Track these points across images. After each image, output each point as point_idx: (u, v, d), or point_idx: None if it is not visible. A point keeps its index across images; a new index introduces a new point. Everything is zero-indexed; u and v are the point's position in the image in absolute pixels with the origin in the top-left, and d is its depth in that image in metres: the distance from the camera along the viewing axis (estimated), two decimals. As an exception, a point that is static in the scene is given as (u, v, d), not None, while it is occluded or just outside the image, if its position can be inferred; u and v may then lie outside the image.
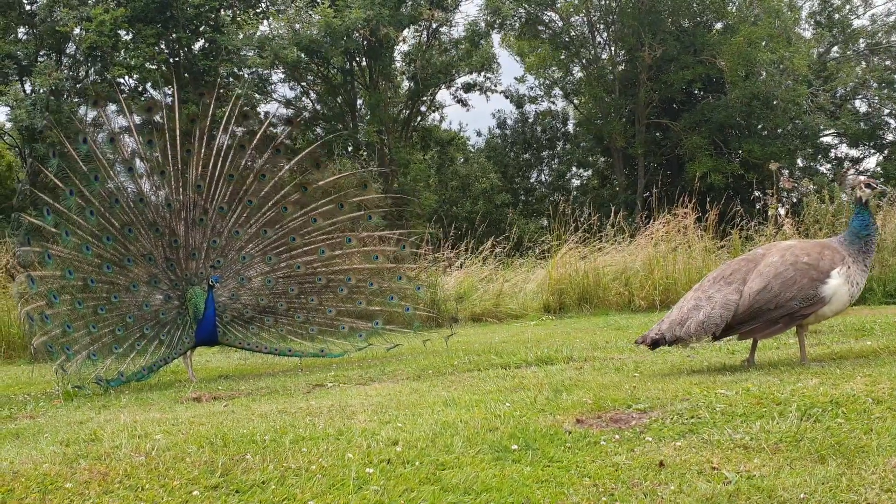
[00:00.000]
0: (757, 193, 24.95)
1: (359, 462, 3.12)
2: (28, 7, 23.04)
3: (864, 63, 29.76)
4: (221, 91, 7.14)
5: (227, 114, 7.06)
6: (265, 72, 25.34)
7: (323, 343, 7.16)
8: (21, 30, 23.42)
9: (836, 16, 30.05)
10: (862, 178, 5.02)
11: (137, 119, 6.81)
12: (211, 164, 6.85)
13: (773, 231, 11.82)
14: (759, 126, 28.25)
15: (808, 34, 30.33)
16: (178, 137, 6.77)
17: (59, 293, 6.40)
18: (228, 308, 6.98)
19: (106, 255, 6.59)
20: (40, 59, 22.25)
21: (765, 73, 26.52)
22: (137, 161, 6.82)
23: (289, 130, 7.70)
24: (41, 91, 21.03)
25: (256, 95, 25.60)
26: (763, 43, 26.11)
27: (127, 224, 6.64)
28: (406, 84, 29.28)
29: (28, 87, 22.68)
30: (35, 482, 3.00)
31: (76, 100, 22.13)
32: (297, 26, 22.80)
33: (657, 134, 29.66)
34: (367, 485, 2.84)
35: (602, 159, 32.37)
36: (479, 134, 31.73)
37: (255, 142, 7.05)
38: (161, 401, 5.55)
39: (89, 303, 6.50)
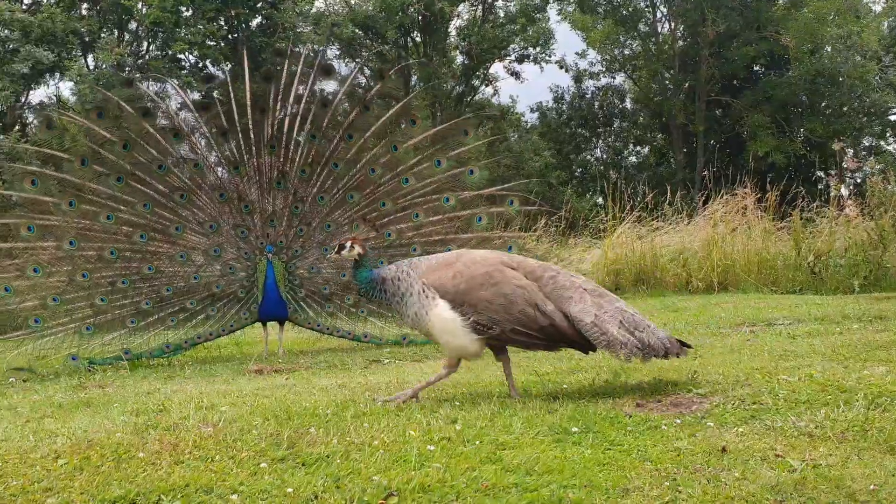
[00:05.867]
0: (819, 173, 24.33)
1: (420, 439, 3.16)
2: (92, -17, 23.50)
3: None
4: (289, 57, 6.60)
5: (298, 71, 6.55)
6: (320, 48, 25.46)
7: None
8: (84, 6, 23.90)
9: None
10: None
11: (196, 94, 6.65)
12: (287, 125, 6.43)
13: (835, 213, 11.51)
14: (823, 104, 27.43)
15: (878, 7, 29.28)
16: (247, 98, 6.39)
17: (43, 265, 6.04)
18: (306, 283, 6.57)
19: (141, 222, 6.24)
20: (103, 35, 22.69)
21: (831, 49, 25.71)
22: (192, 122, 6.49)
23: (380, 84, 7.09)
24: (104, 66, 21.47)
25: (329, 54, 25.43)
26: (831, 17, 25.28)
27: (178, 189, 6.31)
28: (459, 59, 29.14)
29: (91, 63, 23.17)
30: (109, 451, 3.11)
31: (138, 75, 22.56)
32: (354, 1, 22.81)
33: (717, 111, 29.02)
34: (429, 462, 2.88)
35: (660, 136, 31.83)
36: (532, 110, 31.20)
37: (339, 96, 6.59)
38: (224, 373, 5.69)
39: (103, 273, 6.15)
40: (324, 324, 6.67)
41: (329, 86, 6.72)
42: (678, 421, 3.36)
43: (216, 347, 7.26)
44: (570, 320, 3.74)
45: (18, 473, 2.85)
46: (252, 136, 6.41)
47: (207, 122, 6.51)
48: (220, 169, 6.58)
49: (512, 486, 2.65)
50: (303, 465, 2.90)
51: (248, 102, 6.42)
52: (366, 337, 6.69)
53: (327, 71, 6.76)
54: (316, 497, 2.58)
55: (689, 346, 3.96)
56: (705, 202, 12.47)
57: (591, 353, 3.98)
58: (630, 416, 3.44)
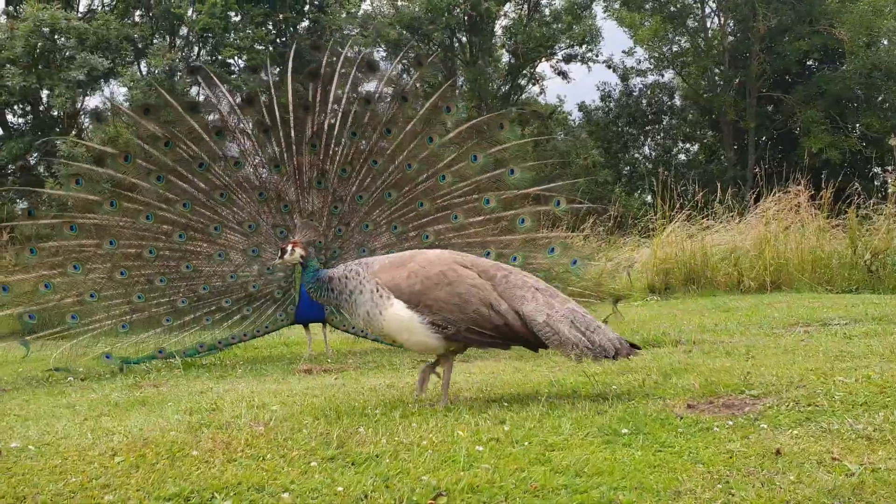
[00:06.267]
0: (876, 170, 23.70)
1: (468, 440, 3.16)
2: (144, -10, 24.02)
3: None
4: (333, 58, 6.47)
5: (339, 64, 6.41)
6: (367, 50, 25.65)
7: None
8: (137, 13, 24.43)
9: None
10: None
11: (237, 97, 6.51)
12: (327, 122, 6.35)
13: (892, 209, 11.20)
14: (880, 98, 26.69)
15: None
16: (289, 96, 6.34)
17: (83, 262, 6.09)
18: None
19: (180, 221, 6.23)
20: (155, 41, 23.17)
21: (888, 42, 25.02)
22: (236, 119, 6.43)
23: (418, 73, 6.99)
24: (156, 72, 21.93)
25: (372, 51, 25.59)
26: (888, 9, 24.61)
27: (218, 188, 6.28)
28: (505, 58, 29.09)
29: (144, 68, 23.67)
30: (164, 449, 3.18)
31: (188, 80, 22.99)
32: (400, 3, 22.92)
33: (769, 107, 28.45)
34: (478, 462, 2.88)
35: (710, 133, 31.34)
36: (580, 108, 30.93)
37: (380, 89, 6.45)
38: (274, 372, 5.76)
39: (142, 271, 6.17)
40: (359, 327, 6.62)
41: (371, 82, 6.62)
42: (730, 423, 3.31)
43: (266, 347, 7.35)
44: (524, 319, 3.76)
45: (77, 470, 2.93)
46: (294, 134, 6.37)
47: (251, 119, 6.49)
48: (260, 168, 6.52)
49: (561, 487, 2.64)
50: (352, 464, 2.92)
51: (290, 100, 6.38)
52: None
53: (371, 66, 6.68)
54: (366, 496, 2.60)
55: (638, 348, 3.96)
56: (757, 200, 12.24)
57: (540, 350, 3.99)
58: (681, 418, 3.40)
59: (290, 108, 6.38)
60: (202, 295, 6.29)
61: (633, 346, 3.88)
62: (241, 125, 6.50)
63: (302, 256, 4.03)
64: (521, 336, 3.80)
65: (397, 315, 3.77)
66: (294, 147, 6.37)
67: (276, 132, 6.37)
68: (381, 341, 6.21)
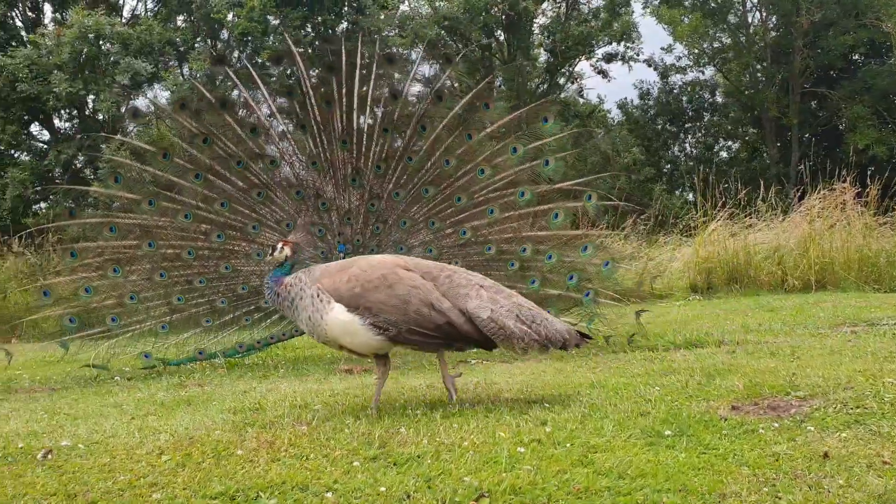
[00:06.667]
0: (926, 166, 23.11)
1: (510, 441, 3.16)
2: (186, -5, 24.39)
3: None
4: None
5: (360, 56, 6.27)
6: (405, 51, 25.73)
7: None
8: (180, 18, 24.82)
9: None
10: None
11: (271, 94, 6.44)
12: (356, 116, 6.25)
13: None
14: (930, 93, 26.06)
15: None
16: (309, 88, 6.26)
17: (122, 265, 6.12)
18: None
19: (218, 220, 6.22)
20: (196, 45, 23.51)
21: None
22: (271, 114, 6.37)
23: (449, 71, 6.78)
24: (197, 75, 22.26)
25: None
26: (937, 0, 24.02)
27: (256, 186, 6.26)
28: (543, 57, 28.95)
29: (186, 72, 24.04)
30: (209, 448, 3.23)
31: (229, 83, 23.32)
32: (438, 3, 22.96)
33: (812, 103, 27.93)
34: (520, 464, 2.88)
35: (752, 130, 30.86)
36: (619, 106, 30.68)
37: (407, 84, 6.37)
38: (316, 372, 5.82)
39: (181, 272, 6.18)
40: (306, 333, 6.52)
41: (395, 75, 6.52)
42: (776, 425, 3.26)
43: (307, 347, 7.41)
44: (468, 316, 3.78)
45: (126, 468, 2.99)
46: (324, 130, 6.31)
47: (287, 114, 6.47)
48: (297, 165, 6.46)
49: (604, 489, 2.62)
50: (394, 464, 2.94)
51: (311, 92, 6.33)
52: None
53: (391, 59, 6.58)
54: (408, 496, 2.61)
55: (589, 338, 4.02)
56: (801, 198, 12.02)
57: (493, 349, 4.02)
58: (725, 420, 3.36)
59: (313, 99, 6.29)
60: (241, 294, 6.28)
61: (583, 335, 3.91)
62: (279, 121, 6.47)
63: (287, 257, 4.07)
64: (465, 334, 3.81)
65: (338, 318, 3.79)
66: (325, 143, 6.30)
67: (310, 128, 6.32)
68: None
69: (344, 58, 6.32)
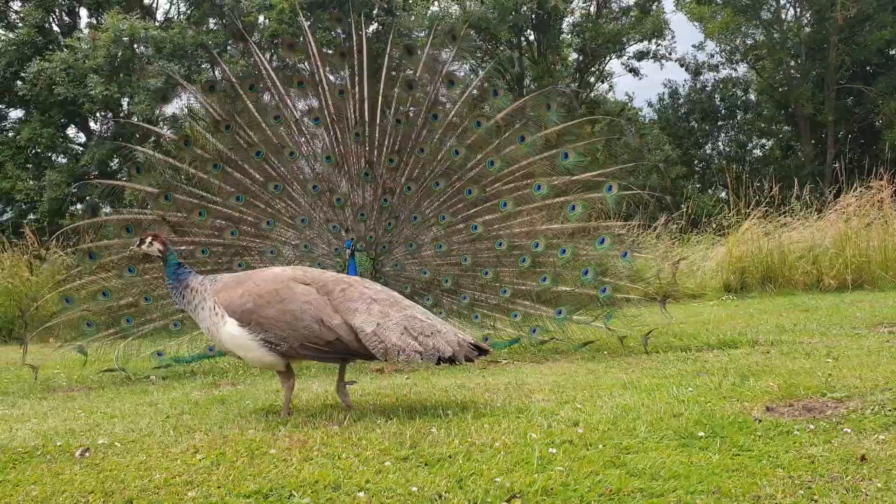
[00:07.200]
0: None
1: (541, 441, 3.15)
2: (218, -1, 24.66)
3: None
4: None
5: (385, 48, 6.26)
6: (435, 52, 25.76)
7: (490, 329, 6.12)
8: (211, 21, 25.08)
9: None
10: None
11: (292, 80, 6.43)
12: (368, 110, 6.20)
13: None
14: (970, 88, 25.50)
15: None
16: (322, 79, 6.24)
17: (136, 265, 6.08)
18: (390, 282, 6.16)
19: (233, 216, 6.16)
20: (228, 47, 23.75)
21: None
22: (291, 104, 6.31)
23: (455, 50, 6.58)
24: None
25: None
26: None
27: (273, 179, 6.17)
28: (573, 56, 28.83)
29: (218, 74, 24.31)
30: (243, 447, 3.26)
31: (260, 85, 23.53)
32: (468, 3, 22.98)
33: (848, 100, 27.48)
34: (552, 465, 2.87)
35: (786, 128, 30.45)
36: (650, 104, 30.50)
37: (419, 70, 6.29)
38: (347, 371, 5.82)
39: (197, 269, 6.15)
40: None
41: (410, 67, 6.47)
42: (811, 426, 3.22)
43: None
44: (355, 331, 3.71)
45: (161, 467, 3.03)
46: (338, 122, 6.26)
47: (304, 104, 6.41)
48: (313, 159, 6.37)
49: (637, 491, 2.61)
50: (426, 464, 2.94)
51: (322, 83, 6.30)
52: None
53: (409, 50, 6.54)
54: (440, 496, 2.62)
55: (486, 352, 3.88)
56: (836, 196, 11.85)
57: (375, 361, 3.97)
58: (759, 421, 3.32)
59: (324, 89, 6.28)
60: None
61: (477, 347, 3.78)
62: (298, 113, 6.40)
63: (160, 251, 4.06)
64: (354, 350, 3.76)
65: (230, 333, 3.80)
66: (339, 136, 6.25)
67: (324, 120, 6.27)
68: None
69: (355, 41, 6.35)
